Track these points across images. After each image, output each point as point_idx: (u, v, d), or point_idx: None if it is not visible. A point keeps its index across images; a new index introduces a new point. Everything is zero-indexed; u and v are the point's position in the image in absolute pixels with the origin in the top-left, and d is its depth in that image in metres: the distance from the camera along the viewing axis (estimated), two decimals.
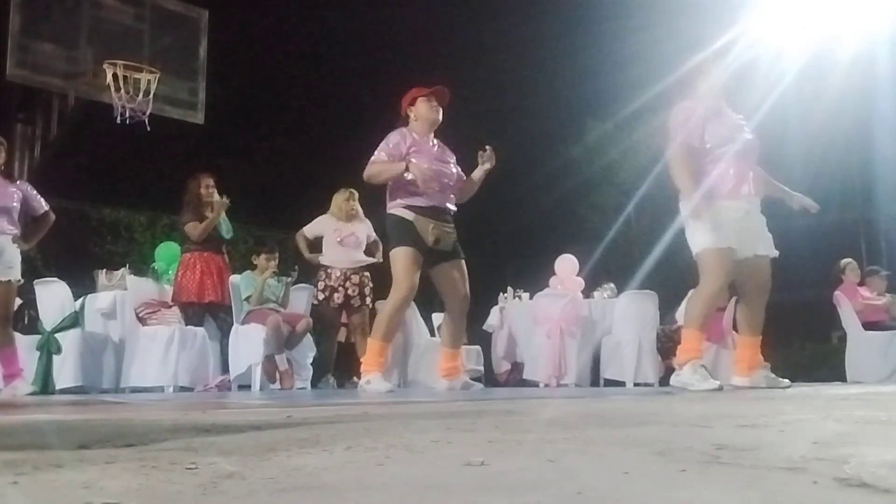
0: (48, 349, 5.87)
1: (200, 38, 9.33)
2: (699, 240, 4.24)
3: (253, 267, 6.43)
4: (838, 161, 10.97)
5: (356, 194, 6.63)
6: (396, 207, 4.69)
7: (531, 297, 7.67)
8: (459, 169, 4.96)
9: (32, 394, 5.27)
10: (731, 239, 4.19)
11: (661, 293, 7.15)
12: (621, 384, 6.91)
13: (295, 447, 1.34)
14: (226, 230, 6.55)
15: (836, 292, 7.51)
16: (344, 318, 6.72)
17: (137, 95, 8.46)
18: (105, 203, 10.65)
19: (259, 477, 1.04)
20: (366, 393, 4.48)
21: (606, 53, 10.85)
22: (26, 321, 6.52)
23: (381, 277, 5.87)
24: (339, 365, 6.66)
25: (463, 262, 4.81)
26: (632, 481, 1.01)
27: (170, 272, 6.84)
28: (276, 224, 10.54)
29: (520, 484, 1.00)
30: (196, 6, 9.36)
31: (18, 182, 5.62)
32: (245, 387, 6.15)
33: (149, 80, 8.54)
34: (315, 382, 6.42)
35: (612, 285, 7.81)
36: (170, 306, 6.33)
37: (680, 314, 6.80)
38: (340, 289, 6.39)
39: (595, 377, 7.22)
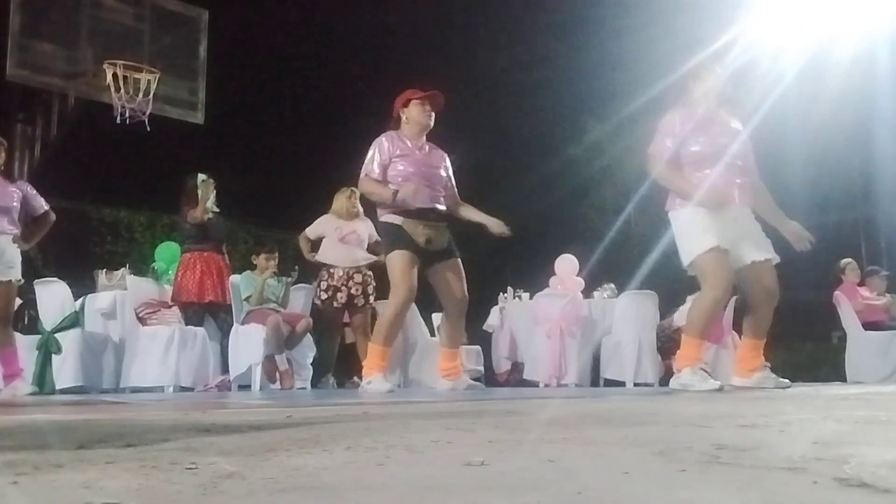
0: (48, 349, 5.87)
1: (200, 38, 9.33)
2: (691, 247, 4.18)
3: (253, 267, 6.43)
4: (838, 161, 10.95)
5: (357, 192, 6.63)
6: (385, 214, 4.73)
7: (531, 297, 7.67)
8: (451, 172, 4.94)
9: (32, 394, 5.27)
10: (718, 239, 4.11)
11: (661, 293, 7.15)
12: (621, 384, 6.91)
13: (295, 447, 1.34)
14: (211, 202, 6.48)
15: (836, 292, 7.51)
16: (346, 318, 6.71)
17: (137, 95, 8.46)
18: (105, 203, 10.63)
19: (259, 477, 1.04)
20: (366, 393, 4.48)
21: (606, 53, 10.86)
22: (26, 321, 6.52)
23: (383, 276, 5.88)
24: (338, 365, 6.66)
25: (458, 261, 4.79)
26: (632, 481, 1.01)
27: (170, 272, 6.84)
28: (276, 224, 10.53)
29: (520, 484, 1.00)
30: (196, 6, 9.36)
31: (18, 182, 5.63)
32: (245, 387, 6.15)
33: (149, 80, 8.54)
34: (315, 382, 6.42)
35: (612, 285, 7.81)
36: (170, 306, 6.33)
37: (679, 316, 6.81)
38: (343, 288, 6.38)
39: (595, 377, 7.22)
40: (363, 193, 4.85)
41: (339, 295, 6.38)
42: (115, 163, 10.41)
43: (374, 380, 4.56)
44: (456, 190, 5.00)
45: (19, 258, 5.21)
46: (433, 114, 4.84)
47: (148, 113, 8.53)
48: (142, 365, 6.04)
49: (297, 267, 7.17)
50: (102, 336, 6.17)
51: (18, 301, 5.73)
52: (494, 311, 7.99)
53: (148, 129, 8.52)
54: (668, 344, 7.13)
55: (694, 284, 4.36)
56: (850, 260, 7.73)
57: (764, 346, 4.46)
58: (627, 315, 7.09)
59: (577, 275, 7.92)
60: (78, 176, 9.92)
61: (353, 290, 6.38)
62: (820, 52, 8.34)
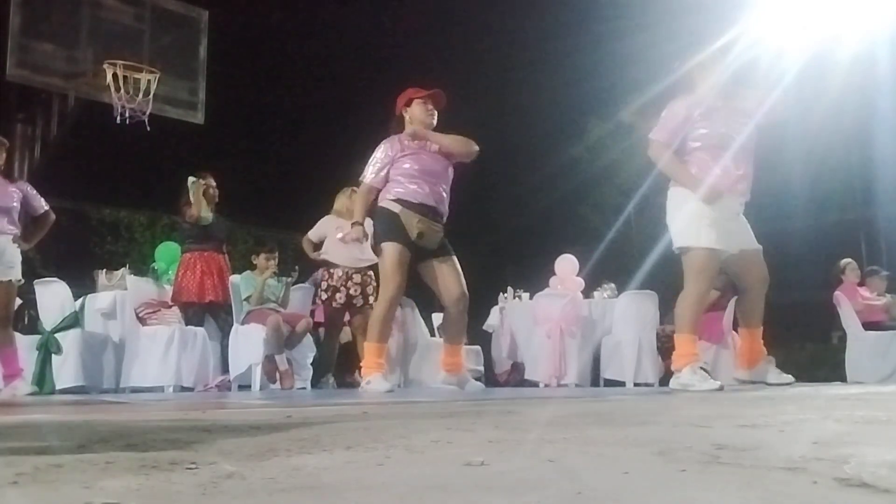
0: (48, 349, 5.87)
1: (200, 38, 9.34)
2: (689, 233, 4.20)
3: (253, 267, 6.43)
4: (838, 161, 10.96)
5: None
6: (385, 200, 4.72)
7: (531, 297, 7.67)
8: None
9: (32, 394, 5.27)
10: (718, 239, 4.16)
11: (661, 293, 7.14)
12: (621, 384, 6.90)
13: (295, 447, 1.34)
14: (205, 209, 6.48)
15: (836, 292, 7.51)
16: (347, 318, 6.71)
17: (137, 95, 8.47)
18: (105, 203, 10.64)
19: (259, 477, 1.04)
20: (366, 393, 4.48)
21: (606, 53, 10.85)
22: (26, 321, 6.52)
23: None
24: (338, 365, 6.66)
25: (452, 258, 4.77)
26: (632, 481, 1.01)
27: (170, 272, 6.84)
28: (276, 224, 10.54)
29: (520, 484, 1.00)
30: (196, 6, 9.36)
31: (19, 182, 5.63)
32: (245, 387, 6.15)
33: (149, 80, 8.54)
34: (315, 382, 6.42)
35: (612, 285, 7.81)
36: (170, 306, 6.33)
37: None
38: (342, 288, 6.38)
39: (595, 377, 7.22)
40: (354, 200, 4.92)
41: (337, 295, 6.38)
42: (115, 163, 10.42)
43: (373, 380, 4.56)
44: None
45: (19, 258, 5.22)
46: (435, 112, 4.84)
47: (148, 113, 8.53)
48: (142, 365, 6.04)
49: (297, 267, 7.17)
50: (102, 336, 6.17)
51: (18, 301, 5.73)
52: (494, 311, 7.99)
53: (148, 129, 8.53)
54: (667, 344, 7.13)
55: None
56: (850, 260, 7.72)
57: (764, 347, 4.47)
58: (627, 315, 7.09)
59: (577, 275, 7.92)
60: (78, 176, 9.93)
61: (351, 291, 6.38)
62: (820, 52, 8.33)
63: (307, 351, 6.39)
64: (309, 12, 11.78)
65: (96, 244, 10.21)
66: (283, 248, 7.39)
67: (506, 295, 8.08)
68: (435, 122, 4.85)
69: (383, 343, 4.77)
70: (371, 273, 6.49)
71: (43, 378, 5.79)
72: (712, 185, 4.16)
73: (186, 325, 6.21)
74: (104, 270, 6.69)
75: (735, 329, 6.53)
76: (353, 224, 4.86)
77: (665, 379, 6.71)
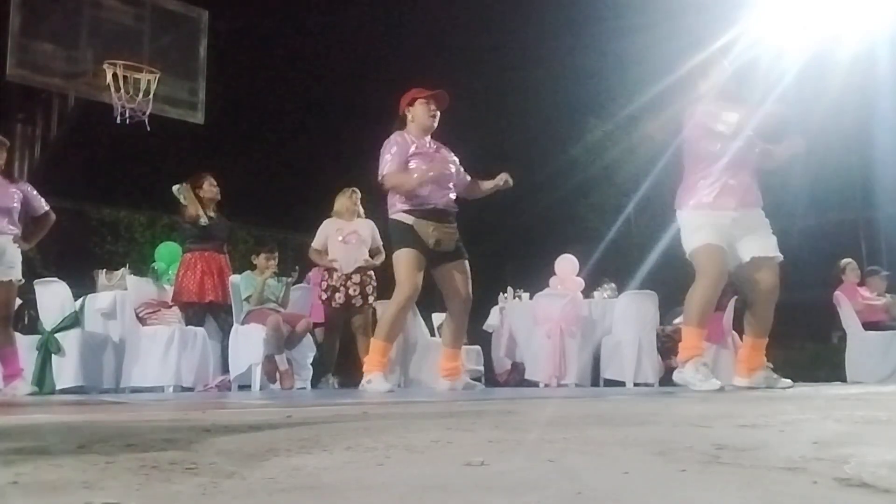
0: (48, 349, 5.87)
1: (200, 38, 9.33)
2: (688, 241, 4.32)
3: (253, 267, 6.43)
4: (838, 161, 10.95)
5: (358, 193, 6.64)
6: (397, 213, 4.71)
7: (531, 297, 7.67)
8: (462, 169, 4.96)
9: (32, 394, 5.27)
10: (720, 238, 4.23)
11: (661, 293, 7.15)
12: (621, 384, 6.90)
13: (295, 447, 1.34)
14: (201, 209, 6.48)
15: (836, 292, 7.51)
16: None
17: (137, 95, 8.46)
18: (105, 203, 10.64)
19: (259, 477, 1.04)
20: (366, 393, 4.48)
21: (606, 53, 10.86)
22: (26, 321, 6.51)
23: (384, 276, 5.87)
24: (338, 364, 6.65)
25: (466, 262, 4.82)
26: (632, 481, 1.01)
27: (170, 272, 6.84)
28: (276, 224, 10.55)
29: (520, 484, 1.00)
30: (196, 6, 9.36)
31: (19, 182, 5.63)
32: (245, 387, 6.15)
33: (149, 80, 8.54)
34: (315, 382, 6.42)
35: (612, 285, 7.81)
36: (170, 306, 6.33)
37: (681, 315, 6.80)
38: (342, 288, 6.38)
39: (595, 377, 7.22)
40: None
41: (337, 295, 6.38)
42: (115, 163, 10.42)
43: (373, 379, 4.56)
44: (467, 178, 5.00)
45: (20, 258, 5.22)
46: (438, 113, 4.85)
47: (148, 113, 8.52)
48: (142, 365, 6.04)
49: (297, 267, 7.17)
50: (102, 336, 6.17)
51: (18, 301, 5.73)
52: (494, 311, 7.98)
53: (148, 129, 8.52)
54: (668, 344, 7.13)
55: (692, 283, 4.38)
56: (850, 260, 7.72)
57: (764, 347, 4.47)
58: (627, 315, 7.08)
59: (577, 275, 7.92)
60: (78, 176, 9.94)
61: (351, 291, 6.38)
62: (820, 52, 8.34)
63: (307, 351, 6.39)
64: (309, 12, 11.79)
65: (96, 244, 10.21)
66: (283, 248, 7.40)
67: (506, 295, 8.08)
68: (437, 122, 4.85)
69: (390, 343, 4.78)
70: (371, 273, 6.49)
71: (43, 378, 5.78)
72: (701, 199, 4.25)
73: (187, 325, 6.21)
74: (104, 270, 6.69)
75: (735, 330, 6.54)
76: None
77: (665, 379, 6.72)
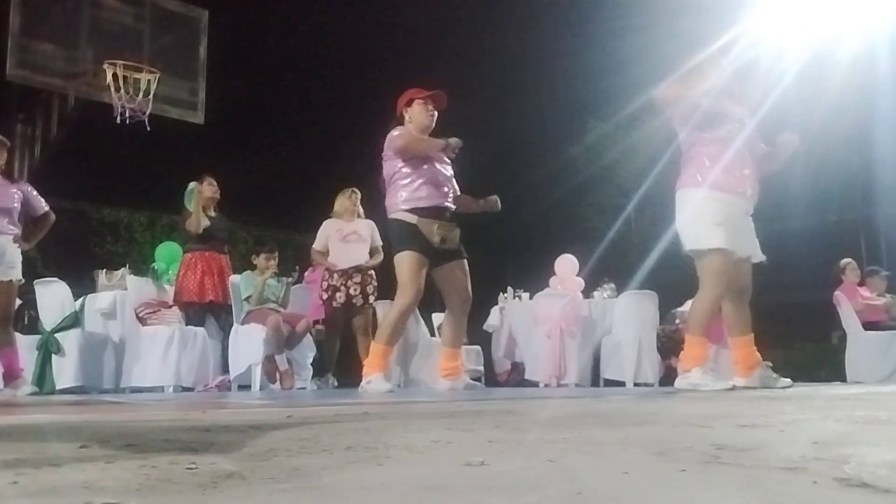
0: (48, 349, 5.87)
1: (200, 38, 9.33)
2: (699, 236, 4.15)
3: (253, 267, 6.43)
4: (838, 161, 10.95)
5: (358, 193, 6.64)
6: (398, 212, 4.70)
7: (531, 297, 7.67)
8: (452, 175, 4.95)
9: (32, 394, 5.27)
10: (728, 239, 4.12)
11: (661, 293, 7.15)
12: (621, 384, 6.90)
13: (295, 447, 1.34)
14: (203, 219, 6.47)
15: (836, 292, 7.51)
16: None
17: (137, 95, 8.46)
18: (105, 203, 10.64)
19: (259, 477, 1.04)
20: (366, 393, 4.48)
21: (606, 53, 10.84)
22: (26, 321, 6.52)
23: (385, 277, 5.87)
24: (338, 364, 6.66)
25: (465, 262, 4.81)
26: (632, 481, 1.01)
27: (170, 272, 6.84)
28: (276, 224, 10.54)
29: (520, 484, 1.00)
30: (196, 6, 9.36)
31: (19, 182, 5.64)
32: (245, 387, 6.15)
33: (149, 80, 8.54)
34: (315, 382, 6.41)
35: (612, 285, 7.81)
36: (170, 306, 6.33)
37: (682, 314, 6.80)
38: (342, 288, 6.38)
39: (595, 377, 7.22)
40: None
41: (337, 295, 6.38)
42: (115, 163, 10.41)
43: (373, 379, 4.56)
44: (457, 190, 5.00)
45: (20, 258, 5.22)
46: (436, 113, 4.85)
47: (148, 113, 8.53)
48: (142, 365, 6.04)
49: (297, 267, 7.17)
50: (102, 336, 6.17)
51: (18, 301, 5.73)
52: (494, 311, 7.99)
53: (148, 129, 8.52)
54: (668, 344, 7.14)
55: (694, 284, 4.35)
56: (850, 260, 7.72)
57: (764, 346, 4.46)
58: (627, 315, 7.09)
59: (577, 275, 7.92)
60: (78, 176, 9.92)
61: (351, 291, 6.38)
62: (820, 51, 8.34)
63: (307, 351, 6.40)
64: (309, 12, 11.78)
65: (96, 244, 10.21)
66: (283, 248, 7.40)
67: (506, 295, 8.08)
68: (434, 122, 4.85)
69: (391, 346, 4.78)
70: (371, 273, 6.49)
71: (43, 378, 5.79)
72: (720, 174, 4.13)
73: (187, 324, 6.22)
74: (104, 270, 6.69)
75: None
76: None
77: (665, 379, 6.72)
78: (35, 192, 5.47)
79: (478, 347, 7.66)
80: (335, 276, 6.42)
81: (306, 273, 7.39)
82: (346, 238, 6.50)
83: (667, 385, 6.25)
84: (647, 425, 1.86)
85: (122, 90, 8.40)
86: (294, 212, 9.93)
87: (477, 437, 1.54)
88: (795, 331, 9.52)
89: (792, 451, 1.24)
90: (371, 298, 6.45)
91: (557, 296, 7.34)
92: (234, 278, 6.36)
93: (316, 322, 6.69)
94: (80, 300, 6.25)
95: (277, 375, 5.94)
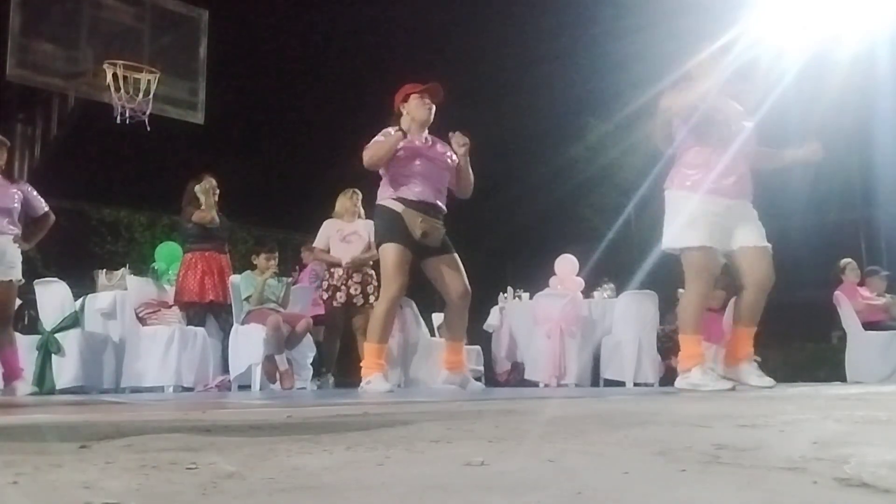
0: (48, 349, 5.87)
1: (200, 38, 9.33)
2: (677, 235, 4.21)
3: (253, 267, 6.43)
4: (838, 161, 10.94)
5: (359, 194, 6.65)
6: (386, 199, 4.71)
7: (531, 297, 7.68)
8: (456, 158, 4.92)
9: (32, 394, 5.27)
10: (711, 236, 4.14)
11: (661, 293, 7.15)
12: (621, 384, 6.91)
13: (295, 447, 1.34)
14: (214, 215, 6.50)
15: (836, 292, 7.51)
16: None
17: (137, 95, 8.46)
18: (105, 203, 10.64)
19: (259, 477, 1.04)
20: (366, 393, 4.48)
21: (606, 53, 10.84)
22: (26, 321, 6.52)
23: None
24: (338, 364, 6.66)
25: (455, 255, 4.79)
26: (632, 481, 1.01)
27: (170, 272, 6.84)
28: (276, 224, 10.54)
29: (520, 484, 1.00)
30: (196, 6, 9.36)
31: (19, 182, 5.65)
32: (245, 387, 6.15)
33: (149, 80, 8.54)
34: (314, 381, 6.41)
35: (612, 285, 7.81)
36: (170, 306, 6.33)
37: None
38: (343, 287, 6.38)
39: (595, 377, 7.22)
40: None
41: (338, 294, 6.38)
42: (115, 163, 10.41)
43: (373, 379, 4.56)
44: (468, 172, 4.91)
45: (20, 258, 5.23)
46: (433, 107, 4.84)
47: (148, 113, 8.53)
48: (142, 365, 6.04)
49: (297, 267, 7.17)
50: (102, 336, 6.17)
51: (18, 301, 5.73)
52: (494, 311, 7.99)
53: (148, 129, 8.52)
54: (668, 344, 7.14)
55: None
56: (850, 260, 7.72)
57: (764, 347, 4.45)
58: (627, 315, 7.09)
59: (577, 275, 7.92)
60: (78, 176, 9.93)
61: (352, 290, 6.38)
62: (820, 51, 8.34)
63: (307, 351, 6.40)
64: (309, 12, 11.78)
65: (96, 244, 10.21)
66: (283, 248, 7.40)
67: (506, 295, 8.08)
68: (432, 116, 4.85)
69: (384, 344, 4.77)
70: (372, 272, 6.49)
71: (43, 378, 5.79)
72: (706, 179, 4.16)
73: (188, 324, 6.22)
74: (104, 270, 6.70)
75: None
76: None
77: (665, 379, 6.72)
78: (35, 193, 5.47)
79: (478, 347, 7.66)
80: (335, 275, 6.42)
81: (302, 273, 7.40)
82: (346, 238, 6.50)
83: (667, 385, 6.25)
84: (647, 425, 1.86)
85: (122, 90, 8.40)
86: (294, 212, 9.93)
87: (477, 437, 1.54)
88: (795, 331, 9.53)
89: (792, 451, 1.24)
90: (371, 298, 6.44)
91: (557, 296, 7.34)
92: (234, 278, 6.36)
93: (315, 318, 6.69)
94: (80, 300, 6.26)
95: (277, 375, 5.94)
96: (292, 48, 11.86)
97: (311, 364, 6.45)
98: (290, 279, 6.61)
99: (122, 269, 6.74)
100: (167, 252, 7.21)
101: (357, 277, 6.41)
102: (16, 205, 5.25)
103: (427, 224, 4.62)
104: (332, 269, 6.47)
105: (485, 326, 7.96)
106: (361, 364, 4.83)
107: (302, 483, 1.00)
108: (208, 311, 6.40)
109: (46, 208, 5.47)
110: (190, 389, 6.05)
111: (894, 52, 9.20)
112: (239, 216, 8.02)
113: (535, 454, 1.28)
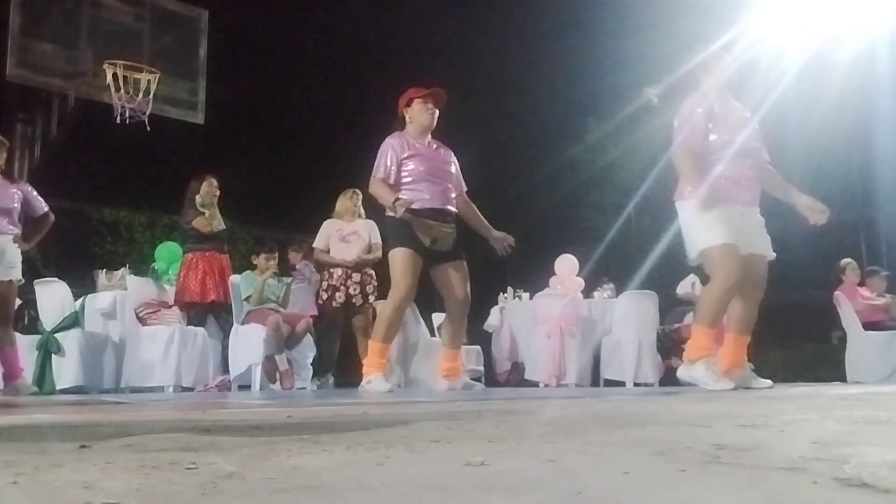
0: (48, 349, 5.87)
1: (200, 38, 9.33)
2: (698, 240, 4.19)
3: (253, 267, 6.43)
4: (838, 161, 10.95)
5: (360, 194, 6.65)
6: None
7: (531, 297, 7.68)
8: (458, 169, 4.96)
9: (32, 394, 5.27)
10: (730, 235, 4.12)
11: (661, 293, 7.15)
12: (621, 384, 6.91)
13: (295, 447, 1.34)
14: (217, 223, 6.52)
15: (836, 292, 7.51)
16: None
17: (137, 95, 8.46)
18: (105, 203, 10.64)
19: (259, 477, 1.04)
20: (366, 393, 4.48)
21: (606, 53, 10.84)
22: (26, 321, 6.51)
23: (384, 276, 5.87)
24: (338, 364, 6.65)
25: (464, 263, 4.81)
26: (632, 481, 1.01)
27: (170, 272, 6.84)
28: (276, 224, 10.53)
29: (520, 484, 1.00)
30: (196, 6, 9.35)
31: (19, 182, 5.65)
32: (245, 387, 6.15)
33: (149, 80, 8.54)
34: (314, 381, 6.41)
35: (612, 285, 7.82)
36: (170, 306, 6.33)
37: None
38: (342, 287, 6.38)
39: (595, 377, 7.22)
40: (372, 194, 4.82)
41: (337, 294, 6.38)
42: (115, 163, 10.41)
43: (373, 379, 4.56)
44: (464, 188, 4.99)
45: (20, 258, 5.23)
46: (436, 111, 4.85)
47: (148, 113, 8.52)
48: (142, 365, 6.04)
49: (297, 267, 7.16)
50: (102, 336, 6.17)
51: (18, 301, 5.73)
52: (494, 311, 7.99)
53: (148, 129, 8.52)
54: (668, 344, 7.14)
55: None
56: (850, 260, 7.72)
57: (764, 346, 4.45)
58: (627, 315, 7.09)
59: (577, 275, 7.92)
60: (78, 176, 9.93)
61: (351, 290, 6.38)
62: (820, 51, 8.34)
63: (307, 351, 6.40)
64: (309, 12, 11.78)
65: (96, 244, 10.21)
66: (283, 248, 7.40)
67: (506, 295, 8.08)
68: (435, 122, 4.85)
69: (387, 344, 4.78)
70: (371, 272, 6.49)
71: (43, 378, 5.79)
72: (709, 190, 4.14)
73: (189, 324, 6.22)
74: (104, 270, 6.70)
75: None
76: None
77: (665, 379, 6.72)
78: (35, 193, 5.47)
79: (478, 347, 7.66)
80: (335, 275, 6.42)
81: (298, 269, 7.40)
82: (345, 238, 6.50)
83: (667, 385, 6.25)
84: (647, 425, 1.86)
85: (122, 90, 8.40)
86: (294, 212, 9.94)
87: (477, 437, 1.54)
88: (795, 331, 9.52)
89: (792, 451, 1.24)
90: (371, 298, 6.45)
91: (557, 296, 7.34)
92: (234, 278, 6.36)
93: (314, 317, 6.69)
94: (80, 300, 6.26)
95: (277, 375, 5.95)
96: (292, 48, 11.86)
97: (311, 364, 6.45)
98: (290, 279, 6.60)
99: (122, 269, 6.74)
100: (167, 252, 7.21)
101: (356, 277, 6.41)
102: (16, 205, 5.25)
103: (437, 230, 4.64)
104: (331, 269, 6.46)
105: (485, 326, 7.96)
106: (364, 362, 4.84)
107: (302, 483, 1.00)
108: (209, 311, 6.40)
109: (46, 208, 5.47)
110: (190, 389, 6.05)
111: (894, 52, 9.20)
112: (239, 216, 8.02)
113: (535, 454, 1.28)
